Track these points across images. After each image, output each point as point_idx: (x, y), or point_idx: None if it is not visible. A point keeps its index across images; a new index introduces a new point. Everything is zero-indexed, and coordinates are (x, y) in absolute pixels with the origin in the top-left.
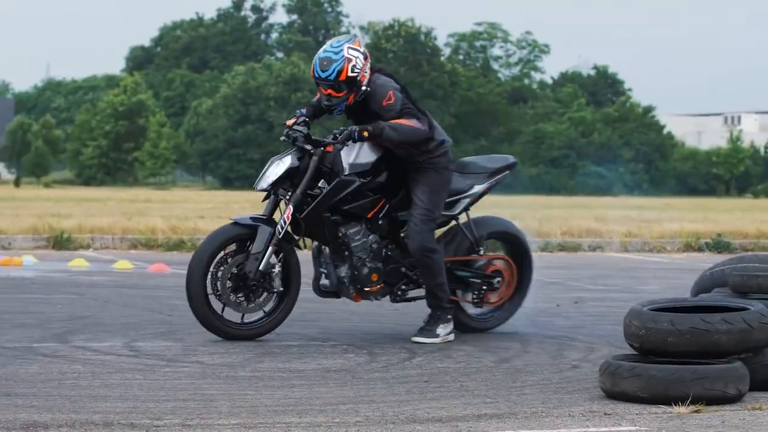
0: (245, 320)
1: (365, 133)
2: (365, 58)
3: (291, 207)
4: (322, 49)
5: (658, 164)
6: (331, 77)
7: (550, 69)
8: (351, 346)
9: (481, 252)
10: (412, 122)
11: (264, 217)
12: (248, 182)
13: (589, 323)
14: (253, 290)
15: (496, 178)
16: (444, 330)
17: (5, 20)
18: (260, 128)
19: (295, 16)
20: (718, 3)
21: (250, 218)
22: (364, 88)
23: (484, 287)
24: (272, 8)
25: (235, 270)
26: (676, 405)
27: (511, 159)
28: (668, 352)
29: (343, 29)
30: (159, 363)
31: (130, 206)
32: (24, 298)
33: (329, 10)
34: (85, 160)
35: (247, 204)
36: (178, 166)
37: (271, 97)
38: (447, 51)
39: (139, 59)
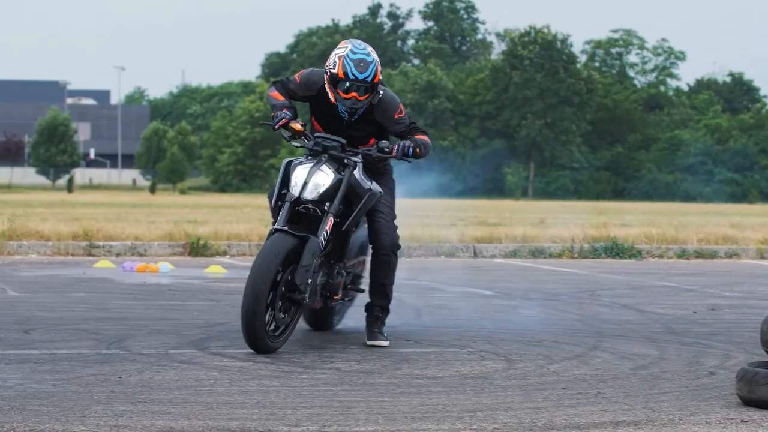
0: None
1: (417, 150)
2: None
3: (332, 218)
4: (347, 50)
5: None
6: (369, 79)
7: (686, 76)
8: (488, 353)
9: None
10: (425, 137)
11: (283, 227)
12: None
13: (726, 330)
14: (293, 302)
15: None
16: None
17: (142, 27)
18: None
19: (431, 23)
20: None
21: (288, 228)
22: (381, 93)
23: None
24: (408, 15)
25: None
26: None
27: None
28: None
29: (479, 36)
30: (296, 369)
31: (267, 213)
32: (160, 305)
33: (465, 17)
34: (221, 167)
35: None
36: None
37: (407, 103)
38: (583, 58)
39: (275, 66)
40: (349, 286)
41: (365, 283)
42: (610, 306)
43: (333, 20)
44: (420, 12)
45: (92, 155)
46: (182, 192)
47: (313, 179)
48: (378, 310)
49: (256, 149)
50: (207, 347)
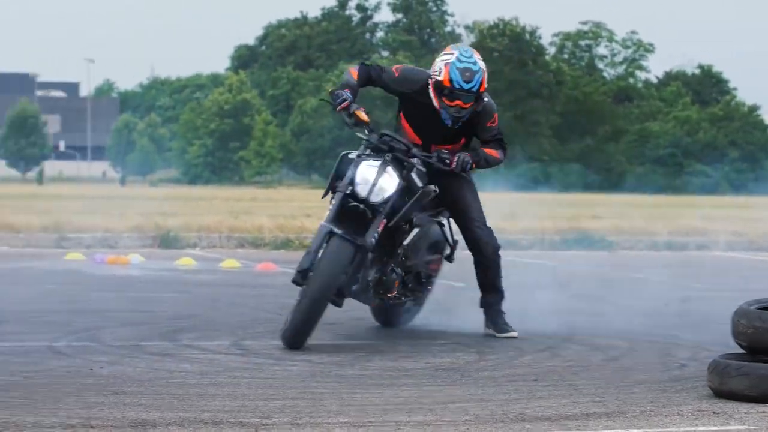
0: None
1: (474, 165)
2: None
3: (384, 219)
4: (453, 57)
5: (764, 163)
6: (475, 89)
7: (655, 68)
8: (459, 344)
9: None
10: (498, 153)
11: (340, 232)
12: None
13: (697, 322)
14: (334, 304)
15: None
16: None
17: (111, 19)
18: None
19: (400, 15)
20: None
21: (345, 232)
22: (485, 100)
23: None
24: (377, 7)
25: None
26: None
27: None
28: None
29: (448, 29)
30: (267, 362)
31: (236, 205)
32: (131, 297)
33: (434, 9)
34: (191, 159)
35: None
36: (283, 165)
37: (376, 95)
38: (552, 50)
39: (244, 58)
40: (410, 285)
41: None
42: (582, 298)
43: (302, 13)
44: (389, 4)
45: (62, 147)
46: (152, 184)
47: (380, 182)
48: (497, 306)
49: (225, 141)
50: (178, 339)
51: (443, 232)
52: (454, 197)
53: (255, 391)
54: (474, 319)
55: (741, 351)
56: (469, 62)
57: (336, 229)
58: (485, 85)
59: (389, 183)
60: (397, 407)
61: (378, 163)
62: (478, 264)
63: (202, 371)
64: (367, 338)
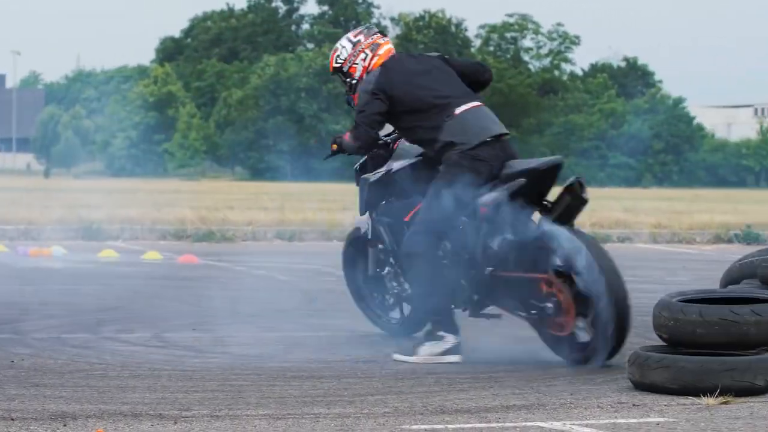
0: None
1: (334, 147)
2: (354, 47)
3: None
4: None
5: (688, 156)
6: (328, 67)
7: (581, 61)
8: (380, 337)
9: None
10: (348, 135)
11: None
12: (278, 173)
13: None
14: None
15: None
16: None
17: (35, 10)
18: (291, 119)
19: (326, 8)
20: None
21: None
22: (355, 80)
23: None
24: None
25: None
26: (704, 396)
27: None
28: (697, 343)
29: (374, 20)
30: (188, 354)
31: (160, 197)
32: (53, 289)
33: (360, 1)
34: (115, 152)
35: (276, 195)
36: (207, 157)
37: (302, 88)
38: (478, 42)
39: (170, 50)
40: None
41: None
42: None
43: (228, 4)
44: None
45: None
46: (76, 176)
47: None
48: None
49: (149, 133)
50: (99, 332)
51: None
52: None
53: (175, 383)
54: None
55: (662, 343)
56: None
57: None
58: (334, 64)
59: None
60: (316, 399)
61: None
62: None
63: (123, 363)
64: (288, 331)
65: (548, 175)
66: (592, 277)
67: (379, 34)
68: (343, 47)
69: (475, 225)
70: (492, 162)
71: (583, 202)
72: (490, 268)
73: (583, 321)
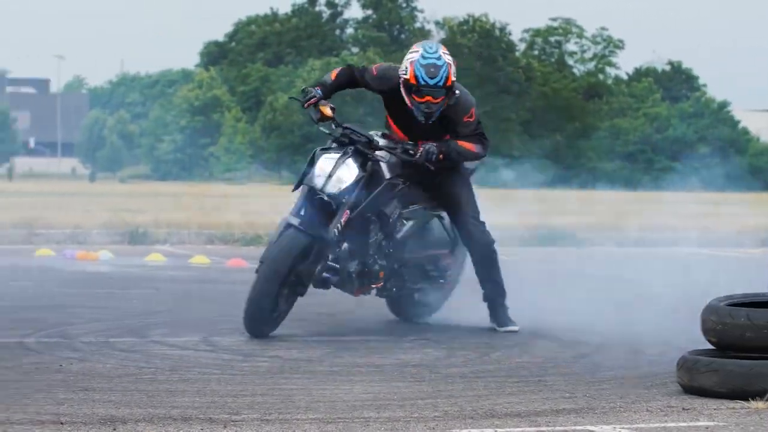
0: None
1: (441, 156)
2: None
3: (348, 211)
4: (417, 55)
5: (734, 159)
6: (441, 83)
7: (625, 65)
8: (429, 341)
9: None
10: (474, 147)
11: (296, 224)
12: None
13: (667, 318)
14: (297, 293)
15: None
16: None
17: (80, 16)
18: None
19: (369, 12)
20: None
21: (301, 223)
22: (457, 93)
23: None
24: (347, 3)
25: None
26: (753, 400)
27: None
28: (746, 347)
29: (418, 25)
30: (237, 358)
31: (206, 201)
32: (101, 293)
33: (404, 5)
34: (161, 156)
35: None
36: (254, 161)
37: (345, 92)
38: (522, 47)
39: (214, 54)
40: (409, 277)
41: (451, 277)
42: (551, 294)
43: (272, 9)
44: (359, 1)
45: (32, 144)
46: (122, 180)
47: (337, 173)
48: (500, 300)
49: (195, 138)
50: (148, 336)
51: (444, 225)
52: (447, 192)
53: (224, 387)
54: (443, 315)
55: (710, 347)
56: (432, 58)
57: (293, 221)
58: (452, 78)
59: (346, 174)
60: (366, 403)
61: (338, 155)
62: (473, 259)
63: (172, 367)
64: (336, 334)
65: None
66: None
67: None
68: (452, 63)
69: None
70: None
71: None
72: None
73: None
